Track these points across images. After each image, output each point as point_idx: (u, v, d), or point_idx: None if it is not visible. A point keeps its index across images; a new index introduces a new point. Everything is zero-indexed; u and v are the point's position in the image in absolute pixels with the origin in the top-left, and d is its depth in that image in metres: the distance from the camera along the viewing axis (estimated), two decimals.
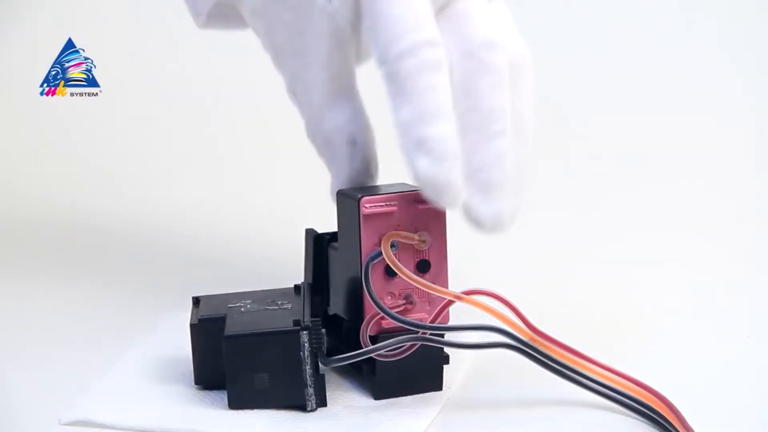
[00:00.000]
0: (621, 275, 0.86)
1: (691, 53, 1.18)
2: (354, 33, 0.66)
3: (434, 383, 0.66)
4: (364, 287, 0.63)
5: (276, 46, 0.71)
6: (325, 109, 0.68)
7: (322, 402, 0.64)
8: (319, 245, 0.69)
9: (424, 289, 0.63)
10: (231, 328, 0.64)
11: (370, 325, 0.63)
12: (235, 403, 0.63)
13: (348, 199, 0.65)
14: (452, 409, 0.65)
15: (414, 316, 0.64)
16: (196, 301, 0.69)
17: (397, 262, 0.63)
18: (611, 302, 0.81)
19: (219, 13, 0.76)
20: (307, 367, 0.63)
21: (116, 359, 0.71)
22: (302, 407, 0.64)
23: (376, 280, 0.63)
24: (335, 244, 0.68)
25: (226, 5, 0.74)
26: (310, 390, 0.63)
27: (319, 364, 0.63)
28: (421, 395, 0.66)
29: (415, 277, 0.63)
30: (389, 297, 0.64)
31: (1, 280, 0.88)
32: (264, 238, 0.96)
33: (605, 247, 0.93)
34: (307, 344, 0.63)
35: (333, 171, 0.68)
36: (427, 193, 0.61)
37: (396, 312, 0.63)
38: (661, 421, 0.61)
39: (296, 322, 0.63)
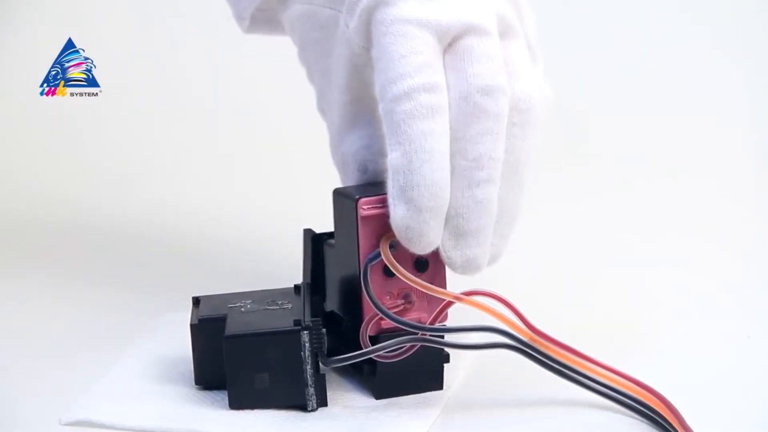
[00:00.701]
0: (620, 275, 0.86)
1: (691, 53, 1.18)
2: (370, 59, 0.65)
3: (435, 383, 0.66)
4: (364, 289, 0.63)
5: (308, 64, 0.71)
6: (343, 133, 0.68)
7: (322, 402, 0.64)
8: (317, 245, 0.69)
9: (424, 290, 0.63)
10: (231, 328, 0.64)
11: (370, 325, 0.63)
12: (235, 403, 0.63)
13: (345, 199, 0.65)
14: (453, 409, 0.65)
15: (413, 315, 0.64)
16: (196, 301, 0.69)
17: (396, 264, 0.62)
18: (610, 302, 0.81)
19: (264, 18, 0.76)
20: (308, 367, 0.63)
21: (116, 359, 0.71)
22: (303, 407, 0.64)
23: (375, 280, 0.63)
24: (331, 241, 0.68)
25: (272, 10, 0.74)
26: (311, 390, 0.63)
27: (320, 364, 0.63)
28: (421, 395, 0.66)
29: (414, 278, 0.63)
30: (388, 297, 0.64)
31: (1, 279, 0.88)
32: (264, 238, 0.96)
33: (604, 247, 0.93)
34: (307, 344, 0.63)
35: None
36: (399, 238, 0.62)
37: (395, 312, 0.63)
38: (661, 421, 0.61)
39: (296, 322, 0.63)
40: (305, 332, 0.63)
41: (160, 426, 0.62)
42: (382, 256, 0.63)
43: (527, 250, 0.87)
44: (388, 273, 0.63)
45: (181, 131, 1.17)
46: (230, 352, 0.63)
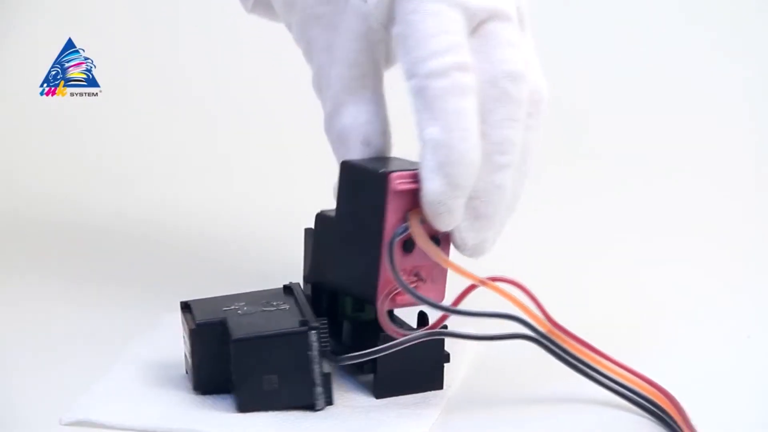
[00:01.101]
0: (619, 275, 0.86)
1: (691, 53, 1.18)
2: (386, 35, 0.66)
3: (435, 382, 0.66)
4: (389, 265, 0.62)
5: (309, 39, 0.70)
6: (345, 106, 0.68)
7: (329, 401, 0.64)
8: None
9: (452, 269, 0.62)
10: (237, 331, 0.63)
11: (387, 301, 0.63)
12: (244, 407, 0.63)
13: (367, 172, 0.64)
14: (453, 409, 0.65)
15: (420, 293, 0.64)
16: (186, 306, 0.68)
17: (428, 239, 0.62)
18: (609, 302, 0.81)
19: (263, 1, 0.75)
20: (316, 366, 0.63)
21: (116, 359, 0.71)
22: (311, 407, 0.64)
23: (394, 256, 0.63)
24: (327, 213, 0.67)
25: None
26: (319, 389, 0.63)
27: (327, 362, 0.63)
28: (421, 395, 0.66)
29: (443, 256, 0.62)
30: (401, 273, 0.63)
31: (1, 280, 0.88)
32: (264, 238, 0.96)
33: (603, 247, 0.93)
34: (315, 343, 0.63)
35: None
36: (427, 212, 0.62)
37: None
38: (667, 418, 0.61)
39: (303, 323, 0.63)
40: (313, 332, 0.63)
41: (160, 426, 0.62)
42: (414, 232, 0.62)
43: (527, 249, 0.87)
44: (405, 249, 0.63)
45: (181, 131, 1.17)
46: (239, 356, 0.63)
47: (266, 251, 0.93)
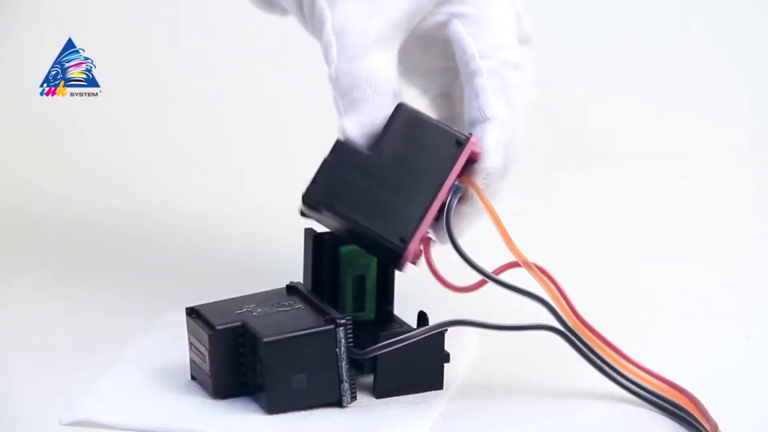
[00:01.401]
0: (619, 275, 0.86)
1: (691, 53, 1.18)
2: (434, 8, 0.67)
3: (435, 382, 0.66)
4: (446, 226, 0.63)
5: None
6: (375, 54, 0.66)
7: (354, 396, 0.64)
8: (318, 245, 0.69)
9: (506, 242, 0.64)
10: (265, 333, 0.63)
11: (420, 252, 0.64)
12: (274, 408, 0.63)
13: (438, 125, 0.65)
14: (453, 409, 0.65)
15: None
16: (193, 311, 0.67)
17: (489, 202, 0.64)
18: (608, 302, 0.81)
19: None
20: (343, 362, 0.63)
21: (116, 359, 0.71)
22: (338, 403, 0.64)
23: (432, 216, 0.64)
24: (350, 145, 0.65)
25: None
26: (346, 385, 0.64)
27: (353, 356, 0.64)
28: (421, 394, 0.66)
29: (500, 221, 0.64)
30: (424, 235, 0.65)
31: (1, 279, 0.88)
32: (264, 238, 0.96)
33: (603, 247, 0.93)
34: (343, 340, 0.63)
35: (361, 111, 0.65)
36: (482, 184, 0.64)
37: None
38: (688, 418, 0.61)
39: (330, 320, 0.63)
40: (340, 329, 0.63)
41: (160, 426, 0.62)
42: (478, 195, 0.64)
43: (526, 248, 0.87)
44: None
45: (181, 131, 1.17)
46: (270, 357, 0.63)
47: (266, 251, 0.93)
